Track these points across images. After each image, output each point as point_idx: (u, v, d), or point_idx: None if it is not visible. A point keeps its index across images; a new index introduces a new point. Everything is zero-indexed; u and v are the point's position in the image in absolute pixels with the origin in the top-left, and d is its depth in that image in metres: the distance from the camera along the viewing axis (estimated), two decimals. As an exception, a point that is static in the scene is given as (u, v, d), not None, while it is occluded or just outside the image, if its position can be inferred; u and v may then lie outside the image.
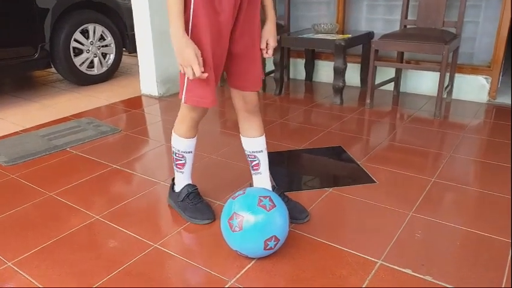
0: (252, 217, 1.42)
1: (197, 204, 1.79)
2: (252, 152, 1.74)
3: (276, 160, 2.35)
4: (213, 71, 1.48)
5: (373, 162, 2.29)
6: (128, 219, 1.82)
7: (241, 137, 1.75)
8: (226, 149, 2.50)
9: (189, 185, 1.83)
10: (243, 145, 1.76)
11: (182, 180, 1.83)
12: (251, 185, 1.87)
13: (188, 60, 1.40)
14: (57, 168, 2.34)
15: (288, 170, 2.28)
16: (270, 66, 3.86)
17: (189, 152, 1.75)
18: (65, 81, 4.19)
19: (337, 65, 3.27)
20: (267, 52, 1.60)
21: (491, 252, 1.55)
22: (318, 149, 2.49)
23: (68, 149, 2.59)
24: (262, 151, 1.75)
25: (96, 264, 1.54)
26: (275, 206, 1.45)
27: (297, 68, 4.20)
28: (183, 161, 1.76)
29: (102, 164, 2.36)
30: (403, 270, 1.47)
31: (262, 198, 1.46)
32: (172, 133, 1.73)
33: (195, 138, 1.74)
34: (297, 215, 1.75)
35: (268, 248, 1.45)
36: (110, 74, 4.20)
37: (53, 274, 1.50)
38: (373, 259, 1.52)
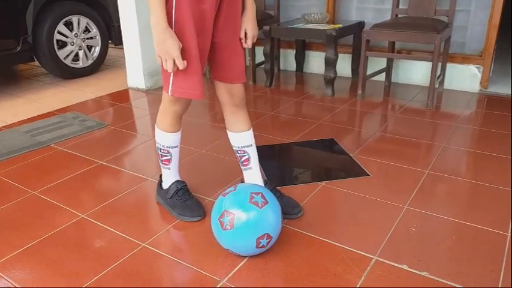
0: (243, 214, 1.37)
1: (186, 201, 1.73)
2: (241, 147, 1.68)
3: (268, 154, 2.30)
4: (199, 61, 1.42)
5: (365, 155, 2.25)
6: (115, 217, 1.76)
7: (228, 132, 1.69)
8: (216, 142, 2.44)
9: (177, 181, 1.77)
10: (231, 141, 1.70)
11: (170, 176, 1.77)
12: (242, 180, 1.82)
13: (170, 52, 1.33)
14: (41, 165, 2.26)
15: (279, 163, 2.23)
16: (260, 57, 3.79)
17: (174, 147, 1.69)
18: (50, 75, 4.08)
19: (328, 55, 3.21)
20: (245, 42, 1.54)
21: (488, 245, 1.52)
22: (309, 142, 2.44)
23: (52, 145, 2.51)
24: (251, 145, 1.69)
25: (82, 265, 1.48)
26: (267, 202, 1.40)
27: (288, 59, 4.13)
28: (169, 157, 1.70)
29: (88, 161, 2.29)
30: (399, 266, 1.43)
31: (253, 194, 1.40)
32: (156, 128, 1.67)
33: (180, 132, 1.68)
34: (289, 210, 1.70)
35: (260, 246, 1.40)
36: (95, 67, 4.09)
37: (37, 277, 1.44)
38: (369, 255, 1.48)
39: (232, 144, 1.70)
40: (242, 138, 1.67)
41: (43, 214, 1.80)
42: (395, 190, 1.90)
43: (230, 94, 1.58)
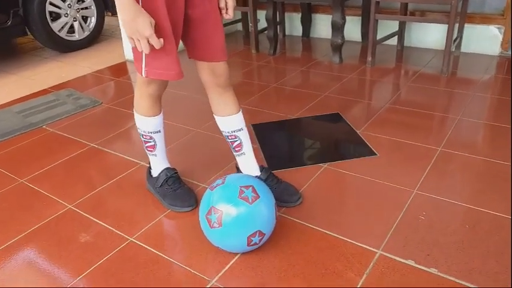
0: (232, 212, 1.24)
1: (177, 190, 1.62)
2: (231, 132, 1.54)
3: (267, 132, 2.16)
4: (173, 37, 1.26)
5: (373, 131, 2.09)
6: (104, 208, 1.66)
7: (216, 117, 1.54)
8: (213, 121, 2.30)
9: (167, 169, 1.65)
10: (220, 126, 1.56)
11: (158, 163, 1.65)
12: (236, 165, 1.69)
13: (142, 31, 1.17)
14: (31, 149, 2.16)
15: (279, 143, 2.08)
16: (263, 23, 3.57)
17: (156, 132, 1.55)
18: (47, 49, 3.93)
19: (334, 19, 2.98)
20: (226, 12, 1.37)
21: (505, 236, 1.38)
22: (313, 118, 2.28)
23: (44, 126, 2.40)
24: (242, 129, 1.55)
25: (65, 264, 1.39)
26: (259, 196, 1.28)
27: (293, 24, 3.90)
28: (152, 143, 1.57)
29: (79, 143, 2.18)
30: (405, 261, 1.30)
31: (243, 188, 1.27)
32: (134, 113, 1.53)
33: (161, 115, 1.54)
34: (287, 198, 1.58)
35: (252, 243, 1.29)
36: (92, 39, 3.93)
37: (19, 276, 1.36)
38: (372, 249, 1.36)
39: (221, 129, 1.56)
40: (231, 123, 1.53)
41: (28, 206, 1.71)
42: (404, 172, 1.75)
43: (213, 74, 1.43)
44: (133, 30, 1.17)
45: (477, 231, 1.40)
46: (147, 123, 1.53)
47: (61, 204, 1.70)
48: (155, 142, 1.58)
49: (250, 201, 1.26)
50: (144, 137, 1.56)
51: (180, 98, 2.63)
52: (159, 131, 1.57)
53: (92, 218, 1.61)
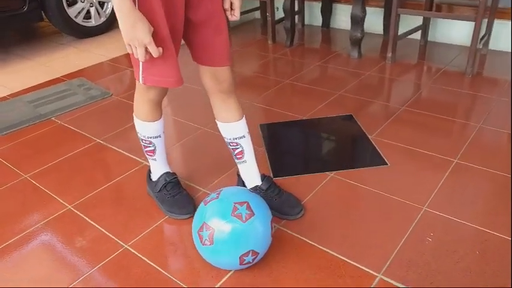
0: (224, 230, 1.19)
1: (175, 196, 1.58)
2: (233, 139, 1.47)
3: (275, 133, 2.08)
4: (172, 44, 1.19)
5: (386, 137, 1.99)
6: (103, 209, 1.64)
7: (218, 122, 1.48)
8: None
9: (167, 173, 1.61)
10: (221, 132, 1.50)
11: (158, 168, 1.60)
12: (237, 172, 1.63)
13: (141, 38, 1.11)
14: (37, 142, 2.16)
15: (286, 147, 2.00)
16: (281, 12, 3.45)
17: (156, 137, 1.51)
18: (64, 35, 3.92)
19: (354, 12, 2.84)
20: (232, 14, 1.29)
21: (518, 265, 1.28)
22: (324, 119, 2.19)
23: (53, 118, 2.39)
24: (244, 136, 1.48)
25: (57, 271, 1.37)
26: (253, 214, 1.22)
27: (313, 13, 3.76)
28: (152, 147, 1.52)
29: (85, 138, 2.16)
30: (406, 289, 1.23)
31: (237, 205, 1.22)
32: (134, 117, 1.49)
33: (161, 120, 1.48)
34: (288, 210, 1.52)
35: (245, 263, 1.23)
36: (109, 25, 3.89)
37: (7, 283, 1.35)
38: (372, 272, 1.29)
39: (223, 135, 1.50)
40: (234, 129, 1.46)
41: (28, 204, 1.70)
42: (415, 185, 1.65)
43: (216, 80, 1.36)
44: (131, 37, 1.11)
45: (488, 259, 1.31)
46: (146, 128, 1.48)
47: (61, 204, 1.69)
48: (155, 147, 1.53)
49: (244, 219, 1.20)
50: (144, 141, 1.52)
51: (192, 92, 2.57)
52: (159, 136, 1.52)
53: (89, 220, 1.59)
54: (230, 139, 1.48)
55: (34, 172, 1.91)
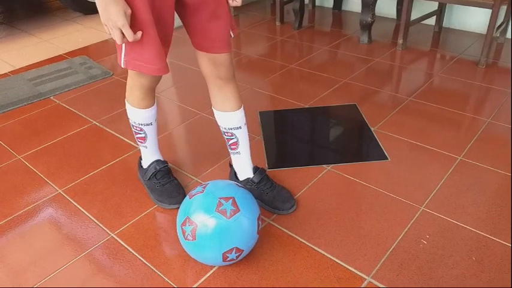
0: (206, 226, 1.15)
1: (165, 185, 1.54)
2: (229, 128, 1.42)
3: (273, 122, 2.02)
4: (155, 29, 1.13)
5: (390, 129, 1.91)
6: (92, 195, 1.61)
7: (214, 110, 1.42)
8: (221, 103, 2.17)
9: (157, 161, 1.56)
10: (217, 120, 1.44)
11: (148, 155, 1.56)
12: (230, 162, 1.58)
13: (115, 20, 1.04)
14: (34, 122, 2.13)
15: (284, 136, 1.94)
16: (290, -6, 3.33)
17: (147, 125, 1.46)
18: (70, 11, 3.85)
19: (366, -5, 2.72)
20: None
21: (516, 274, 1.22)
22: (326, 108, 2.11)
23: (51, 97, 2.36)
24: (240, 127, 1.42)
25: (40, 259, 1.36)
26: (239, 210, 1.17)
27: (325, -6, 3.62)
28: (143, 135, 1.48)
29: (81, 119, 2.13)
30: (395, 294, 1.18)
31: (223, 200, 1.17)
32: (126, 102, 1.43)
33: (153, 107, 1.43)
34: (279, 205, 1.47)
35: (228, 259, 1.19)
36: (115, 1, 3.80)
37: (-4, 266, 1.34)
38: (361, 274, 1.24)
39: (218, 123, 1.44)
40: (230, 119, 1.40)
41: (21, 186, 1.68)
42: (414, 183, 1.59)
43: (214, 65, 1.30)
44: (105, 18, 1.05)
45: (484, 266, 1.25)
46: (137, 114, 1.43)
47: (52, 188, 1.67)
48: (146, 134, 1.48)
49: (228, 215, 1.15)
50: (135, 127, 1.47)
51: (192, 75, 2.51)
52: (151, 124, 1.47)
53: (78, 206, 1.56)
54: (225, 128, 1.42)
55: (28, 153, 1.89)
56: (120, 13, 1.03)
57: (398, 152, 1.76)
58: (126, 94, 1.42)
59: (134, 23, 1.08)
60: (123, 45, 1.16)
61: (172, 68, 2.63)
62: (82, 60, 2.80)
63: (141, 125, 1.45)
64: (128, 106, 1.43)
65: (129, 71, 1.33)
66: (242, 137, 1.44)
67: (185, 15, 1.23)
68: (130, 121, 1.47)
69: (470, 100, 2.13)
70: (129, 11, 1.05)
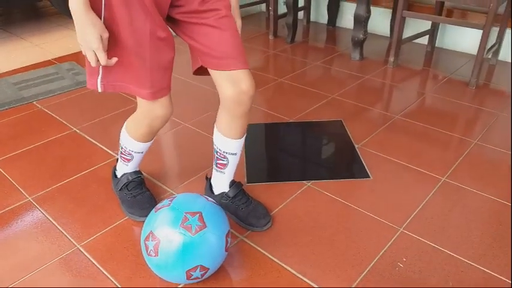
0: (170, 241, 1.09)
1: (137, 197, 1.48)
2: (224, 152, 1.36)
3: (256, 136, 1.97)
4: (144, 52, 1.10)
5: (374, 147, 1.87)
6: (63, 204, 1.56)
7: (216, 130, 1.34)
8: (206, 114, 2.14)
9: (131, 172, 1.51)
10: (214, 140, 1.36)
11: (125, 168, 1.51)
12: (207, 176, 1.53)
13: (89, 42, 1.01)
14: (13, 127, 2.08)
15: (266, 150, 1.90)
16: (283, 9, 3.32)
17: (139, 153, 1.42)
18: (64, 16, 3.84)
19: (358, 11, 2.71)
20: None
21: (493, 303, 1.17)
22: (311, 124, 2.07)
23: (34, 102, 2.32)
24: (236, 154, 1.37)
25: (2, 267, 1.30)
26: (205, 226, 1.12)
27: (319, 9, 3.62)
28: (129, 158, 1.43)
29: (62, 125, 2.08)
30: (366, 320, 1.13)
31: (189, 215, 1.12)
32: (123, 129, 1.39)
33: (152, 141, 1.40)
34: (254, 221, 1.41)
35: (193, 278, 1.14)
36: (110, 9, 3.79)
37: (-47, 275, 1.28)
38: (332, 297, 1.19)
39: (214, 142, 1.37)
40: (229, 145, 1.34)
41: (-11, 192, 1.63)
42: (395, 203, 1.54)
43: (233, 84, 1.17)
44: (80, 39, 1.03)
45: (460, 293, 1.19)
46: (133, 144, 1.39)
47: (22, 195, 1.61)
48: (132, 158, 1.44)
49: (193, 231, 1.10)
50: (124, 150, 1.42)
51: (179, 84, 2.47)
52: (142, 152, 1.43)
53: (46, 215, 1.51)
54: (220, 150, 1.36)
55: (3, 158, 1.83)
56: (95, 35, 1.00)
57: (381, 171, 1.71)
58: (128, 125, 1.37)
59: (115, 48, 1.06)
60: (100, 68, 1.13)
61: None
62: (70, 66, 2.77)
63: (132, 151, 1.41)
64: (125, 134, 1.39)
65: (142, 107, 1.25)
66: (233, 161, 1.39)
67: (188, 32, 1.18)
68: (121, 143, 1.42)
69: (458, 120, 2.10)
70: (105, 35, 1.02)
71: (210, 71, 1.20)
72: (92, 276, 1.26)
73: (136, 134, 1.35)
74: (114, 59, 1.06)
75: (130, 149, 1.40)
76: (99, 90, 1.16)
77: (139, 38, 1.08)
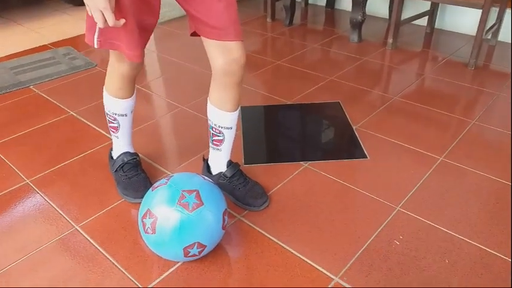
0: (167, 219, 1.10)
1: (132, 178, 1.48)
2: (219, 126, 1.35)
3: (253, 118, 1.97)
4: (134, 15, 1.09)
5: (371, 128, 1.86)
6: (60, 187, 1.56)
7: (209, 104, 1.34)
8: (203, 97, 2.12)
9: (126, 153, 1.51)
10: (208, 114, 1.36)
11: (119, 146, 1.51)
12: (204, 157, 1.53)
13: (96, 1, 1.00)
14: (10, 111, 2.08)
15: (263, 132, 1.89)
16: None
17: (122, 115, 1.41)
18: (62, 1, 3.80)
19: (356, -7, 2.68)
20: None
21: (491, 276, 1.17)
22: (309, 105, 2.06)
23: (31, 87, 2.31)
24: (231, 128, 1.36)
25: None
26: (202, 204, 1.12)
27: (318, -8, 3.58)
28: (116, 124, 1.43)
29: (59, 109, 2.08)
30: (362, 296, 1.14)
31: (186, 193, 1.12)
32: (104, 90, 1.39)
33: (131, 99, 1.39)
34: (251, 201, 1.42)
35: (190, 255, 1.15)
36: (106, -7, 3.75)
37: (-47, 255, 1.29)
38: (329, 274, 1.19)
39: (208, 117, 1.37)
40: (224, 118, 1.33)
41: (-13, 175, 1.63)
42: (392, 182, 1.54)
43: (224, 53, 1.18)
44: None
45: (457, 269, 1.20)
46: (114, 104, 1.38)
47: (19, 177, 1.62)
48: (119, 125, 1.44)
49: (190, 209, 1.10)
50: (109, 116, 1.42)
51: (178, 68, 2.46)
52: (125, 115, 1.42)
53: (44, 197, 1.51)
54: (215, 125, 1.36)
55: (0, 141, 1.83)
56: None
57: (379, 151, 1.71)
58: (105, 82, 1.37)
59: (117, 7, 1.05)
60: (97, 26, 1.11)
61: (157, 61, 2.58)
62: (66, 50, 2.75)
63: (115, 114, 1.40)
64: (105, 94, 1.39)
65: (110, 59, 1.28)
66: (229, 136, 1.38)
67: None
68: (105, 109, 1.42)
69: (456, 101, 2.09)
70: None
71: (203, 40, 1.20)
72: (91, 256, 1.27)
73: (112, 89, 1.35)
74: (122, 21, 1.03)
75: (113, 110, 1.40)
76: (95, 46, 1.15)
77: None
